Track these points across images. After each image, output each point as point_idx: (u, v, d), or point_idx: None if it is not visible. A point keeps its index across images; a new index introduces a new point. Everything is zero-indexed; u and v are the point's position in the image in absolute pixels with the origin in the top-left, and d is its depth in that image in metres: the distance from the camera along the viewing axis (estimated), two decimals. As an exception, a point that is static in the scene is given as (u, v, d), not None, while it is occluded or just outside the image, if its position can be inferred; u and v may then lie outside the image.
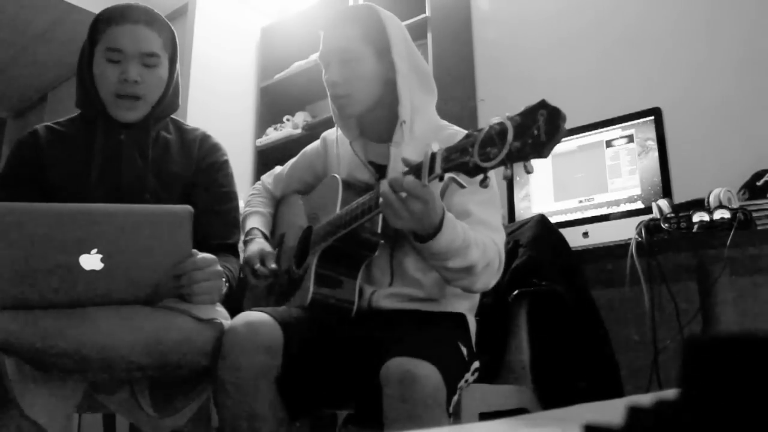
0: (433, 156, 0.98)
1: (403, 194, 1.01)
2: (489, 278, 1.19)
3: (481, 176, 0.90)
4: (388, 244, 1.30)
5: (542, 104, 0.81)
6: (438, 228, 1.06)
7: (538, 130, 0.80)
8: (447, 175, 0.97)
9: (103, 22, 1.35)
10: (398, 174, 1.03)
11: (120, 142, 1.38)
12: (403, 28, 1.37)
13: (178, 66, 1.45)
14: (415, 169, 1.02)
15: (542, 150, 0.80)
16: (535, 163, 0.83)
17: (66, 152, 1.38)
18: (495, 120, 0.88)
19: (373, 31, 1.32)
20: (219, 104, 3.10)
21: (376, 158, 1.39)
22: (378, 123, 1.37)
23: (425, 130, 1.33)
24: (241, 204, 2.02)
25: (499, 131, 0.86)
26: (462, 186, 0.99)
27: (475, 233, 1.15)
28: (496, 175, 0.91)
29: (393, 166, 1.31)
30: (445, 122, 1.39)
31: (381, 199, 1.05)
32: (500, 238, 1.24)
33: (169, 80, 1.42)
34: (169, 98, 1.43)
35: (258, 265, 1.38)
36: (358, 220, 1.18)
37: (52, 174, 1.35)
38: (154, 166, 1.38)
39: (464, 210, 1.23)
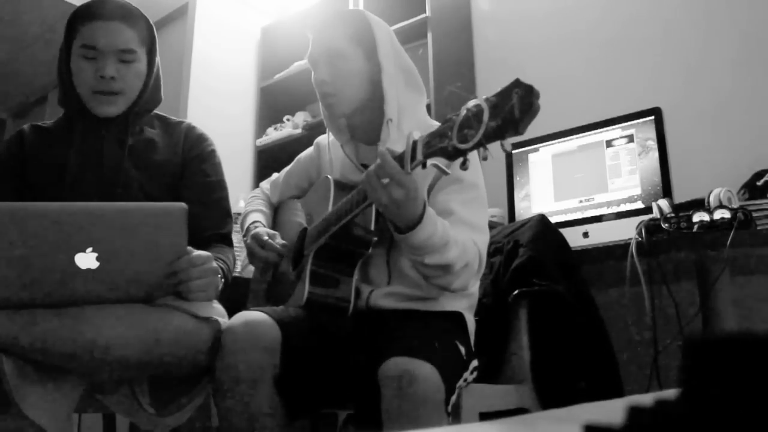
0: (415, 143, 1.00)
1: (386, 180, 1.03)
2: (467, 279, 1.20)
3: (461, 159, 0.91)
4: (385, 244, 1.30)
5: (516, 83, 0.82)
6: (417, 221, 1.08)
7: (513, 107, 0.81)
8: (429, 162, 0.98)
9: (79, 18, 1.35)
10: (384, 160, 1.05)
11: (101, 137, 1.38)
12: (389, 31, 1.38)
13: (158, 59, 1.44)
14: (398, 159, 1.03)
15: (517, 126, 0.81)
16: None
17: (48, 149, 1.39)
18: (472, 103, 0.89)
19: (360, 32, 1.34)
20: (219, 104, 3.09)
21: (367, 160, 1.39)
22: (367, 124, 1.38)
23: (414, 129, 1.33)
24: (242, 204, 2.03)
25: (476, 113, 0.87)
26: (446, 173, 1.01)
27: (455, 233, 1.16)
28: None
29: None
30: (436, 123, 1.38)
31: (364, 179, 1.07)
32: (482, 239, 1.25)
33: (148, 74, 1.41)
34: (150, 92, 1.43)
35: (267, 238, 1.39)
36: (348, 214, 1.18)
37: (33, 170, 1.37)
38: (137, 160, 1.38)
39: (447, 208, 1.24)
